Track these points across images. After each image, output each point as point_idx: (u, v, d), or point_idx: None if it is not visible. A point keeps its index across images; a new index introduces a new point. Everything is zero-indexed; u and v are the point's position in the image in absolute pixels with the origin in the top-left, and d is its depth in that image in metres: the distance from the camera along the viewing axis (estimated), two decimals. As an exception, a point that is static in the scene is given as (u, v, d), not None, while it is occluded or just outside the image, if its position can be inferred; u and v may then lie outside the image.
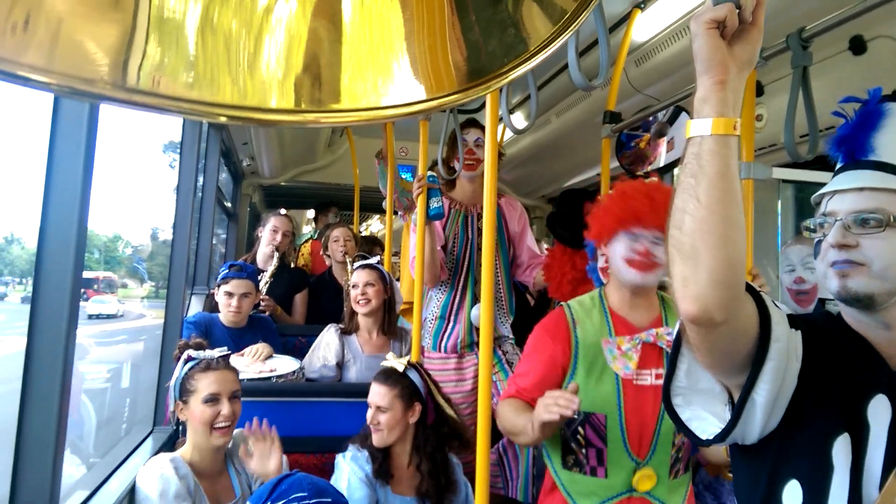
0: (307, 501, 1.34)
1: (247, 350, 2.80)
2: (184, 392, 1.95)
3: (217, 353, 2.02)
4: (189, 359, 1.99)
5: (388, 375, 2.15)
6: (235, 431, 2.08)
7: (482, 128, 2.91)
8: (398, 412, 2.10)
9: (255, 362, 2.74)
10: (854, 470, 0.96)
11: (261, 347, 2.82)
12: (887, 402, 0.98)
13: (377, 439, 2.08)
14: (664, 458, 1.76)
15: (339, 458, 2.12)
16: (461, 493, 2.17)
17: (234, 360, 2.66)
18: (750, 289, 0.99)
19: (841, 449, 0.97)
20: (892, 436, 0.96)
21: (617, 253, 1.83)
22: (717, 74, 0.89)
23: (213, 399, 1.91)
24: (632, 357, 1.77)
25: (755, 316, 0.98)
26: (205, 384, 1.92)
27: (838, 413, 0.99)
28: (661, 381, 1.11)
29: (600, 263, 2.08)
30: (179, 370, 1.99)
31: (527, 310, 3.68)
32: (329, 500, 1.39)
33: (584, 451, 1.78)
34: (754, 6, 0.89)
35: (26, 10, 0.33)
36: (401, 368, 2.18)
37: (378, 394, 2.11)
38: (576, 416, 1.69)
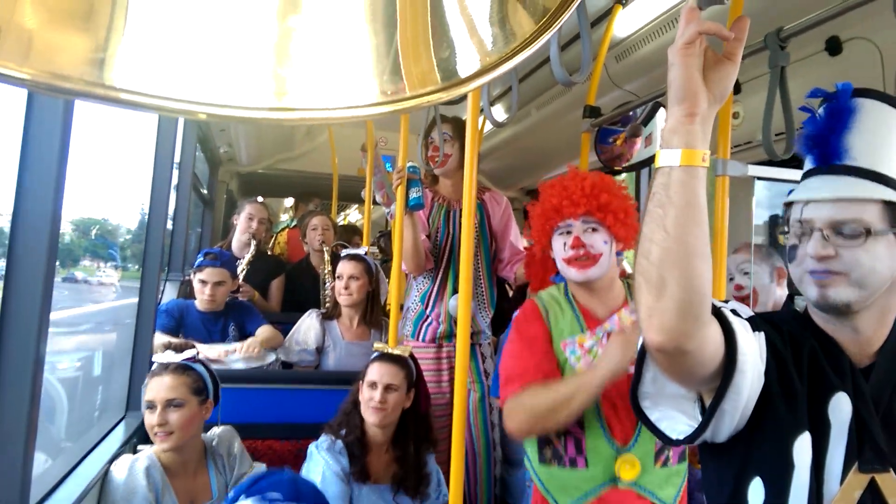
0: (279, 502, 1.33)
1: (241, 346, 2.77)
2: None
3: (182, 356, 1.97)
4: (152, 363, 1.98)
5: (395, 358, 2.17)
6: (218, 430, 2.07)
7: (446, 120, 2.91)
8: (403, 394, 2.13)
9: (247, 357, 2.70)
10: (815, 467, 0.98)
11: (254, 343, 2.76)
12: (848, 400, 1.00)
13: (380, 418, 2.07)
14: (648, 445, 1.69)
15: (312, 447, 2.10)
16: (433, 483, 2.19)
17: (205, 349, 2.63)
18: (713, 308, 0.99)
19: (802, 448, 0.99)
20: (851, 433, 0.98)
21: (557, 255, 1.81)
22: (689, 107, 0.89)
23: (149, 406, 1.88)
24: (597, 353, 1.71)
25: (720, 335, 0.98)
26: (147, 390, 1.91)
27: (801, 412, 1.00)
28: (633, 367, 1.12)
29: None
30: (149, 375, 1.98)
31: (508, 302, 3.69)
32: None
33: (561, 440, 1.72)
34: (732, 39, 0.90)
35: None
36: (406, 355, 2.22)
37: (388, 373, 2.11)
38: None
